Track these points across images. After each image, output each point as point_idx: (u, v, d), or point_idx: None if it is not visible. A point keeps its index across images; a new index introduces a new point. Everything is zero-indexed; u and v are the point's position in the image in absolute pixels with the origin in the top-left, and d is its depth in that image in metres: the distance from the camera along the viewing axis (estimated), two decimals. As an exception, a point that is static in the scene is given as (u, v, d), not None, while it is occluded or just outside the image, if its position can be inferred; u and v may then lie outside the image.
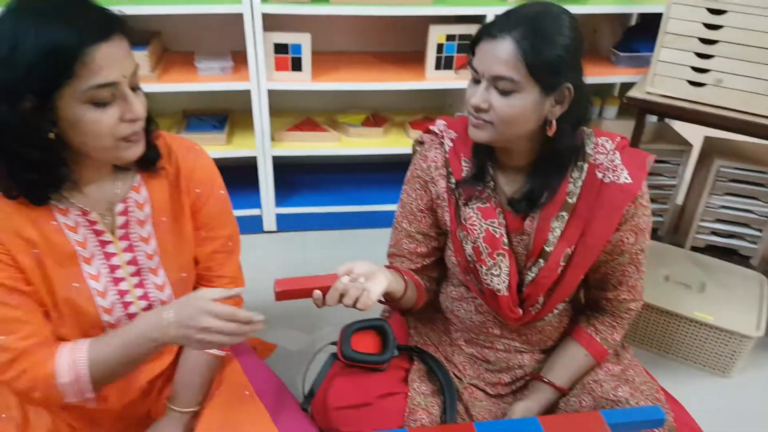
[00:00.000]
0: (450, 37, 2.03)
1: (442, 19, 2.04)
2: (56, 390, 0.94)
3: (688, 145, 1.97)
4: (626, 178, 1.02)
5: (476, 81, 0.99)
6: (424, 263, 1.21)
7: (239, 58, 2.07)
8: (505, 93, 0.95)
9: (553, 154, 1.03)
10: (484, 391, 1.21)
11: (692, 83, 1.65)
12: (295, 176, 2.47)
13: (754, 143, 1.94)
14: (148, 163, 1.01)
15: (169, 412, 1.11)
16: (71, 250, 0.97)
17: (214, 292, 0.92)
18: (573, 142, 1.03)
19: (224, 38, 2.12)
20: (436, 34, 2.02)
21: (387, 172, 2.51)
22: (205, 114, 2.30)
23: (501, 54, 0.93)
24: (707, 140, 1.99)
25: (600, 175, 1.04)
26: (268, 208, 2.27)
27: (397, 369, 1.17)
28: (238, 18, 1.88)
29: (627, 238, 1.07)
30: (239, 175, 2.28)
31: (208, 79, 2.02)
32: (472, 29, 2.02)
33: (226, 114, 2.31)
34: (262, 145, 2.12)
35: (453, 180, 1.11)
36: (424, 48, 2.07)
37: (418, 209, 1.16)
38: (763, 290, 1.82)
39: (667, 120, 2.30)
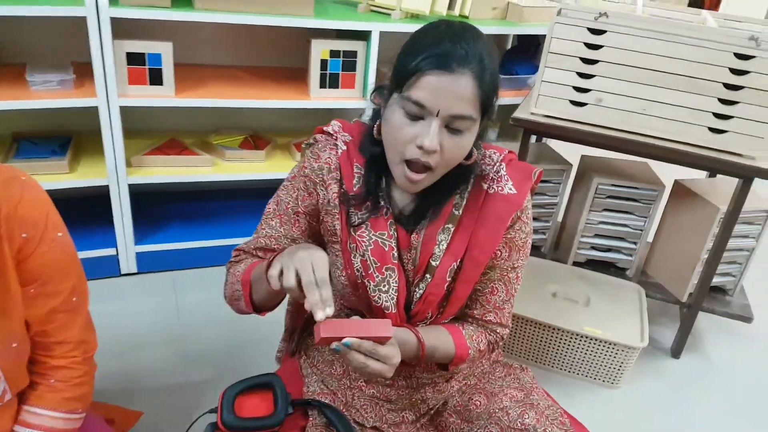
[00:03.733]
0: (334, 54, 1.94)
1: (325, 33, 1.95)
2: None
3: (568, 165, 2.03)
4: (510, 189, 1.02)
5: (415, 117, 0.90)
6: None
7: (83, 71, 1.82)
8: (457, 132, 0.90)
9: (448, 180, 1.00)
10: (386, 433, 1.14)
11: (574, 103, 1.69)
12: (158, 208, 2.23)
13: (626, 161, 2.05)
14: None
15: None
16: None
17: None
18: (467, 178, 1.02)
19: (63, 48, 1.89)
20: (319, 50, 1.92)
21: (269, 197, 2.31)
22: (41, 137, 1.99)
23: (463, 92, 0.87)
24: (584, 159, 2.07)
25: (485, 186, 1.03)
26: (126, 246, 1.99)
27: (292, 428, 1.06)
28: (80, 23, 1.64)
29: (501, 252, 1.05)
30: (87, 209, 2.07)
31: (44, 95, 1.74)
32: (357, 46, 1.95)
33: (69, 136, 2.02)
34: (115, 172, 1.86)
35: (344, 187, 1.04)
36: (308, 64, 1.96)
37: (295, 211, 1.07)
38: (641, 300, 1.91)
39: (545, 141, 2.38)
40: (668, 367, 1.93)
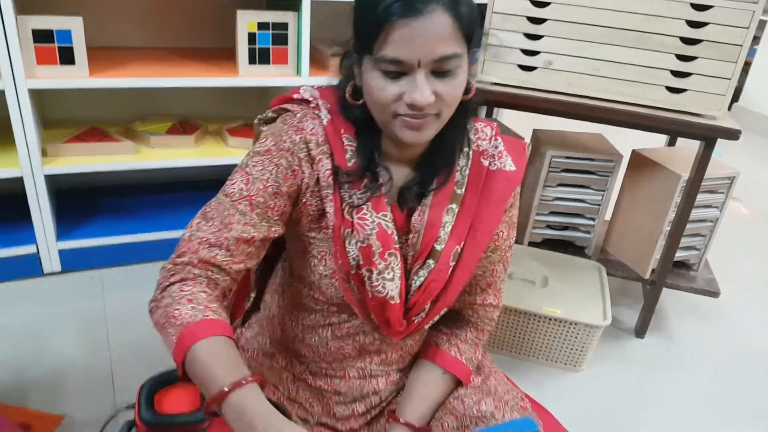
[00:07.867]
0: (263, 26, 1.79)
1: (252, 3, 1.82)
2: None
3: (522, 138, 1.92)
4: (511, 165, 0.95)
5: (396, 74, 0.81)
6: (243, 264, 0.89)
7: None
8: (448, 74, 0.81)
9: (446, 138, 0.91)
10: (334, 428, 1.05)
11: (523, 68, 1.58)
12: (83, 202, 2.08)
13: (580, 133, 1.95)
14: None
15: None
16: None
17: None
18: (466, 122, 0.93)
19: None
20: (246, 22, 1.77)
21: (201, 190, 2.20)
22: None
23: (440, 31, 0.78)
24: (536, 133, 1.97)
25: (486, 163, 0.95)
26: (48, 243, 1.83)
27: (223, 424, 0.89)
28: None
29: (502, 232, 0.99)
30: (3, 204, 1.92)
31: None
32: (287, 17, 1.81)
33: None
34: (29, 162, 1.69)
35: (335, 163, 0.90)
36: (234, 43, 1.82)
37: (275, 191, 0.87)
38: (602, 279, 1.82)
39: (497, 117, 2.28)
40: (632, 347, 1.84)
